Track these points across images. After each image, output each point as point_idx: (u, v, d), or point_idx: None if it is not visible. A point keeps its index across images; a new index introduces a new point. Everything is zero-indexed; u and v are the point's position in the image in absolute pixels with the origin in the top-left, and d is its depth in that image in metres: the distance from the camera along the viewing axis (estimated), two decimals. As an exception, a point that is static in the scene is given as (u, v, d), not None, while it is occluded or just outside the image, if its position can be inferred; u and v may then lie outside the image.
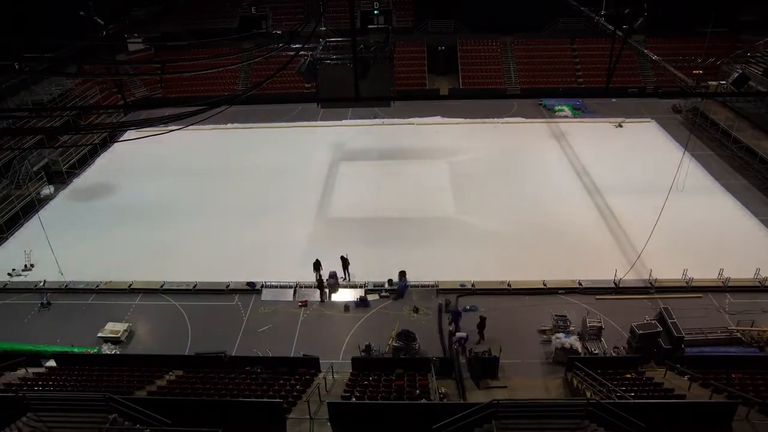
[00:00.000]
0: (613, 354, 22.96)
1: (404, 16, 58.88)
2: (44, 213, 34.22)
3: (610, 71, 18.52)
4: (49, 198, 36.80)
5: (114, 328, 25.09)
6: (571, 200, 35.23)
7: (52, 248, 28.08)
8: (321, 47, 26.99)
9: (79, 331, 25.36)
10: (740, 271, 27.35)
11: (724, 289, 26.71)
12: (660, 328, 22.15)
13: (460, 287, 27.44)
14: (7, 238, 32.68)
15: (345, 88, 24.63)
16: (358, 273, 28.65)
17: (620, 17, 32.19)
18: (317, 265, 27.59)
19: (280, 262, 29.78)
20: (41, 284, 28.38)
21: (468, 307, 25.88)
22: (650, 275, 27.38)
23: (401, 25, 58.03)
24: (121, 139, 44.90)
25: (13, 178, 36.41)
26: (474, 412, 14.13)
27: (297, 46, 21.31)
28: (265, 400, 16.61)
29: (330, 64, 25.07)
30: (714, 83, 44.04)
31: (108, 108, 44.70)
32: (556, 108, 49.61)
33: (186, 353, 23.78)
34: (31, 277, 29.26)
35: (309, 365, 20.63)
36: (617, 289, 26.91)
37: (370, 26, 57.06)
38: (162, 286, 28.06)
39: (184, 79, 54.81)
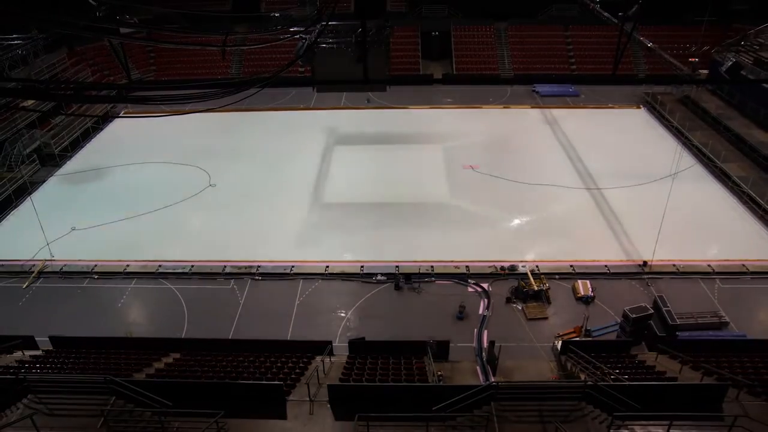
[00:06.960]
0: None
1: (398, 1, 58.46)
2: (37, 195, 33.94)
3: (618, 58, 18.97)
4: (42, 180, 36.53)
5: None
6: (564, 185, 35.43)
7: (44, 231, 28.08)
8: (318, 30, 26.78)
9: (75, 316, 25.34)
10: (728, 257, 28.22)
11: (712, 274, 27.20)
12: (651, 311, 22.53)
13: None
14: (0, 222, 32.46)
15: (341, 71, 24.57)
16: (354, 254, 28.95)
17: (616, 4, 32.28)
18: None
19: (275, 245, 29.92)
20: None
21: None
22: (642, 260, 27.80)
23: (395, 9, 57.61)
24: (120, 114, 45.21)
25: (5, 161, 36.03)
26: (473, 395, 14.37)
27: (294, 29, 21.22)
28: (266, 382, 16.75)
29: (327, 48, 24.90)
30: (704, 71, 44.35)
31: (106, 86, 44.58)
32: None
33: (183, 336, 23.86)
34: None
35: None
36: (609, 274, 27.30)
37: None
38: (158, 269, 28.04)
39: (176, 62, 54.19)
